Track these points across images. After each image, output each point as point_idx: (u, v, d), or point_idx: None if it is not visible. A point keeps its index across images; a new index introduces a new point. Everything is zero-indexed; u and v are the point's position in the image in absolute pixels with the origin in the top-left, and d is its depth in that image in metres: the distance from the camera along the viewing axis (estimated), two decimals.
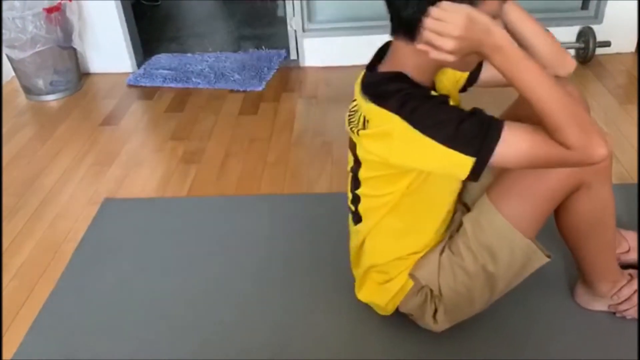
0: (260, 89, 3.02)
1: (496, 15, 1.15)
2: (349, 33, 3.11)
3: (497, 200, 1.33)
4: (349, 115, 1.32)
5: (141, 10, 3.99)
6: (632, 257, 1.69)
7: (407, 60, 1.20)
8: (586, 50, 2.95)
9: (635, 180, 2.09)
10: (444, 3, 1.06)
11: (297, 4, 3.11)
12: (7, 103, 3.04)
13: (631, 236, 1.72)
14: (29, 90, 3.07)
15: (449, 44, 1.06)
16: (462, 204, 1.51)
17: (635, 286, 1.54)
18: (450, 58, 1.09)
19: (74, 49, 3.08)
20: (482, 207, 1.36)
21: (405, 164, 1.22)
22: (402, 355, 1.52)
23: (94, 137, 2.69)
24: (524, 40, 1.39)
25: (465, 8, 1.06)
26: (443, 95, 1.20)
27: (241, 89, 3.03)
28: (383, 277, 1.46)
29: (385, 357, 1.53)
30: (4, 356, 1.60)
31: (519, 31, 1.39)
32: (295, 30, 3.22)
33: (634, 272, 1.58)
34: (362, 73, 1.30)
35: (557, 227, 1.47)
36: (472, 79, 1.44)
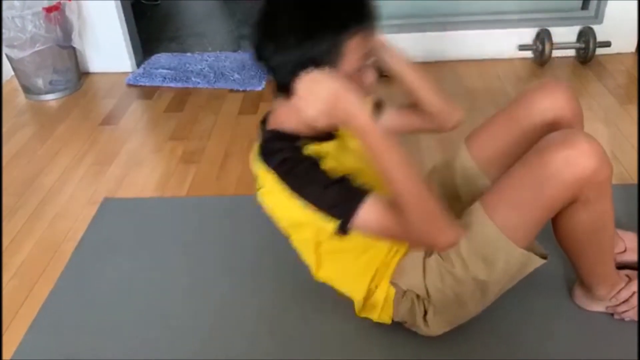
0: (260, 88, 3.02)
1: (363, 70, 1.22)
2: None
3: (491, 209, 1.32)
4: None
5: (141, 10, 3.99)
6: (629, 257, 1.68)
7: (289, 116, 1.27)
8: (586, 51, 2.95)
9: (635, 181, 2.09)
10: (315, 74, 1.13)
11: None
12: (7, 102, 3.04)
13: (629, 237, 1.71)
14: (28, 90, 3.06)
15: (311, 113, 1.14)
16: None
17: (633, 288, 1.53)
18: (319, 124, 1.16)
19: (74, 49, 3.07)
20: (474, 215, 1.34)
21: (285, 218, 1.35)
22: (399, 357, 1.52)
23: (93, 137, 2.69)
24: (410, 93, 1.46)
25: (332, 86, 1.12)
26: (315, 158, 1.24)
27: (241, 89, 3.03)
28: (360, 294, 1.46)
29: (384, 358, 1.53)
30: (4, 355, 1.60)
31: (403, 82, 1.45)
32: None
33: (631, 273, 1.58)
34: (258, 133, 1.36)
35: (554, 235, 1.45)
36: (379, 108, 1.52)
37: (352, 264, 1.42)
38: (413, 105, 1.48)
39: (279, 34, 1.15)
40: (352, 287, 1.47)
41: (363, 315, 1.53)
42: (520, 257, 1.32)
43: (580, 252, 1.47)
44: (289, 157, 1.23)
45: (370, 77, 1.26)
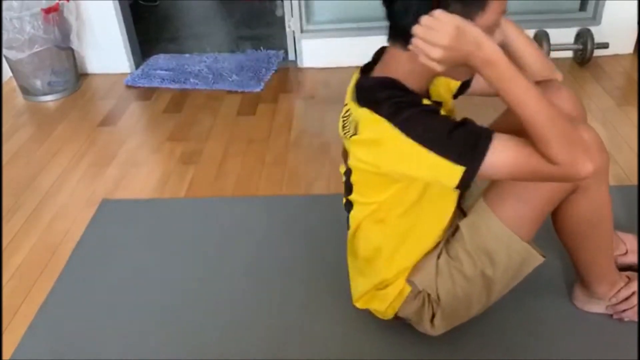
0: (258, 89, 3.02)
1: (493, 29, 1.15)
2: (347, 34, 3.12)
3: (494, 203, 1.33)
4: (343, 120, 1.32)
5: (139, 11, 3.99)
6: (630, 259, 1.69)
7: (400, 66, 1.20)
8: (584, 52, 2.95)
9: (634, 182, 2.09)
10: (436, 12, 1.07)
11: (295, 4, 3.11)
12: (5, 103, 3.04)
13: (629, 239, 1.72)
14: (26, 91, 3.06)
15: (436, 53, 1.07)
16: (459, 209, 1.51)
17: (633, 288, 1.54)
18: (437, 67, 1.10)
19: (72, 50, 3.08)
20: (478, 211, 1.36)
21: (395, 171, 1.22)
22: (399, 357, 1.52)
23: (92, 138, 2.69)
24: (515, 53, 1.40)
25: (456, 19, 1.06)
26: (435, 103, 1.20)
27: (239, 90, 3.03)
28: (381, 282, 1.45)
29: (383, 358, 1.53)
30: (3, 356, 1.60)
31: (511, 45, 1.40)
32: (293, 31, 3.22)
33: (632, 274, 1.58)
34: (355, 77, 1.30)
35: (555, 228, 1.47)
36: (464, 88, 1.46)
37: (404, 242, 1.39)
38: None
39: None
40: (390, 270, 1.42)
41: (362, 305, 1.53)
42: (521, 250, 1.33)
43: (579, 244, 1.47)
44: (406, 103, 1.15)
45: (497, 37, 1.20)
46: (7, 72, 3.16)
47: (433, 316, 1.43)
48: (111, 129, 2.77)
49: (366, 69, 1.30)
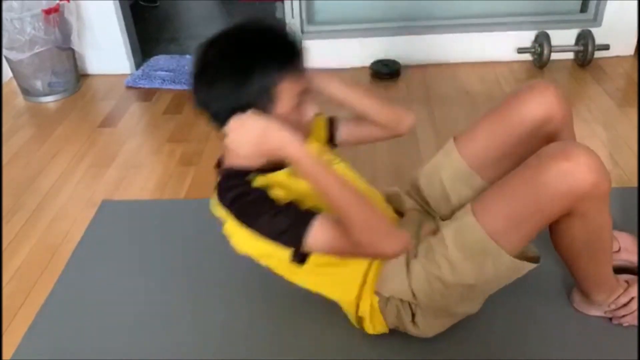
0: None
1: (299, 110, 1.26)
2: (348, 35, 3.11)
3: (482, 215, 1.31)
4: None
5: (139, 12, 3.99)
6: (623, 257, 1.69)
7: (234, 154, 1.31)
8: (585, 54, 2.95)
9: (634, 184, 2.09)
10: (242, 116, 1.18)
11: (296, 5, 3.11)
12: (6, 104, 3.04)
13: (623, 236, 1.72)
14: (27, 92, 3.06)
15: (243, 150, 1.20)
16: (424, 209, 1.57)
17: (632, 294, 1.53)
18: (257, 161, 1.27)
19: (72, 50, 3.07)
20: (464, 219, 1.33)
21: (250, 251, 1.39)
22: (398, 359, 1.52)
23: (92, 139, 2.69)
24: (355, 111, 1.49)
25: (260, 122, 1.18)
26: (263, 189, 1.27)
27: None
28: (351, 307, 1.48)
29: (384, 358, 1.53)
30: (4, 356, 1.60)
31: (348, 106, 1.48)
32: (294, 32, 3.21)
33: (630, 278, 1.58)
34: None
35: (552, 243, 1.45)
36: (333, 142, 1.57)
37: (336, 276, 1.44)
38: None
39: (212, 84, 1.22)
40: (342, 297, 1.49)
41: (359, 327, 1.54)
42: (509, 264, 1.32)
43: (577, 262, 1.47)
44: (240, 192, 1.27)
45: (309, 113, 1.29)
46: (7, 73, 3.15)
47: (413, 316, 1.42)
48: (111, 130, 2.77)
49: (219, 161, 1.42)
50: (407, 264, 1.38)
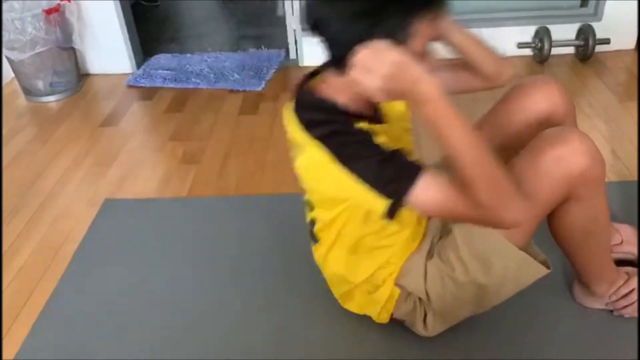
0: (259, 88, 3.02)
1: (426, 51, 1.16)
2: None
3: None
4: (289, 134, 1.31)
5: (140, 11, 3.99)
6: (625, 249, 1.69)
7: (340, 88, 1.19)
8: (586, 48, 2.95)
9: (635, 178, 2.09)
10: (376, 44, 1.06)
11: (296, 3, 3.11)
12: (7, 104, 3.05)
13: (624, 228, 1.72)
14: (28, 92, 3.07)
15: (373, 84, 1.07)
16: None
17: (632, 285, 1.53)
18: (378, 97, 1.10)
19: (74, 50, 3.08)
20: None
21: (328, 194, 1.27)
22: (398, 357, 1.52)
23: (93, 138, 2.69)
24: (465, 56, 1.40)
25: (395, 55, 1.06)
26: (367, 132, 1.17)
27: (241, 89, 3.03)
28: (370, 288, 1.45)
29: (385, 357, 1.53)
30: (6, 356, 1.61)
31: (460, 50, 1.40)
32: (294, 30, 3.22)
33: (631, 270, 1.58)
34: (295, 95, 1.29)
35: (551, 234, 1.45)
36: None
37: (366, 249, 1.39)
38: (464, 65, 1.43)
39: (344, 2, 1.09)
40: (354, 270, 1.43)
41: (357, 310, 1.54)
42: (518, 259, 1.32)
43: (576, 250, 1.47)
44: (339, 129, 1.16)
45: (431, 60, 1.19)
46: (9, 73, 3.16)
47: (425, 316, 1.43)
48: (113, 129, 2.77)
49: (306, 84, 1.28)
50: (425, 265, 1.39)
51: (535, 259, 1.33)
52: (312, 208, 1.40)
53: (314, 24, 1.14)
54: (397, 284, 1.42)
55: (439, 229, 1.44)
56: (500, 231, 1.28)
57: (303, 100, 1.25)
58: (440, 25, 1.26)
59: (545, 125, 1.47)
